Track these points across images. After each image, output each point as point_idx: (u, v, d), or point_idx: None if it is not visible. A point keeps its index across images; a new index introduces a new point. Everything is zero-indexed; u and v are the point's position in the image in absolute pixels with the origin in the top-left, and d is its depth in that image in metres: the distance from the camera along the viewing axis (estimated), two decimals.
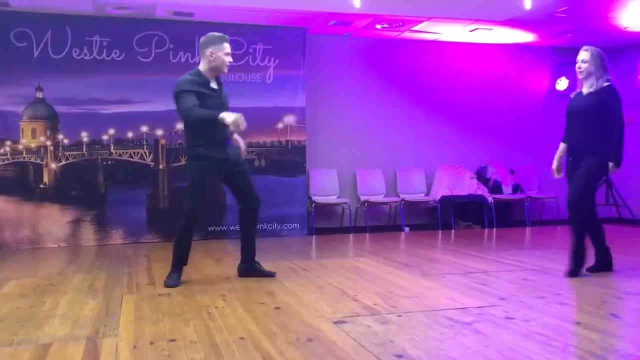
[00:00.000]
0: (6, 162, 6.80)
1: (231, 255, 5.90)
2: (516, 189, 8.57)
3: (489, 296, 3.83)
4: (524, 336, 2.91)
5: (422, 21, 7.35)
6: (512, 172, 8.71)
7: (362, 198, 8.01)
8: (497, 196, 8.27)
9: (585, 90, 4.63)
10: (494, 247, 6.63)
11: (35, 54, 6.77)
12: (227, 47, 4.33)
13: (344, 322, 3.21)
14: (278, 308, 3.57)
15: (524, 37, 8.26)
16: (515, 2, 6.65)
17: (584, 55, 4.59)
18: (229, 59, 4.35)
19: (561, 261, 5.20)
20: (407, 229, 7.95)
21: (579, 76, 4.67)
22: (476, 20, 7.42)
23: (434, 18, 7.23)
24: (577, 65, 4.62)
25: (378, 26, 7.57)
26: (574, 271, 4.49)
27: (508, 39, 8.36)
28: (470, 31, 7.91)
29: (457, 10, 7.00)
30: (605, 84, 4.51)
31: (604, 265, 4.66)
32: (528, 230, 8.04)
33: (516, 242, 6.91)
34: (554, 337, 2.90)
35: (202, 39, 4.37)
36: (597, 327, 3.08)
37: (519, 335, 2.92)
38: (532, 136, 8.92)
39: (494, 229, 8.05)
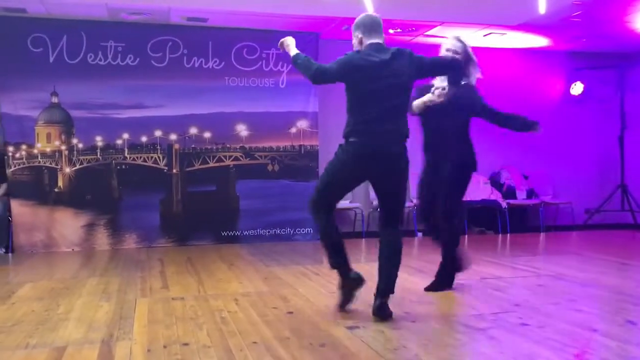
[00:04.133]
0: (22, 166, 6.87)
1: (244, 260, 5.91)
2: (530, 194, 8.51)
3: (503, 302, 3.80)
4: (539, 343, 2.88)
5: (436, 26, 7.34)
6: (526, 177, 8.65)
7: (375, 203, 7.98)
8: (511, 201, 8.22)
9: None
10: (507, 253, 6.59)
11: (51, 59, 6.83)
12: None
13: (357, 327, 3.20)
14: (291, 313, 3.57)
15: (538, 41, 8.22)
16: (529, 7, 6.62)
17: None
18: None
19: (577, 267, 5.16)
20: (420, 234, 7.91)
21: None
22: (489, 25, 7.39)
23: (448, 23, 7.21)
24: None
25: (391, 31, 7.55)
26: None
27: (522, 43, 8.32)
28: (484, 36, 7.88)
29: (471, 15, 6.97)
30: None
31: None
32: (542, 235, 7.98)
33: (530, 247, 6.86)
34: (569, 343, 2.87)
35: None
36: (613, 334, 3.04)
37: (534, 342, 2.89)
38: (547, 141, 8.85)
39: (508, 234, 7.99)
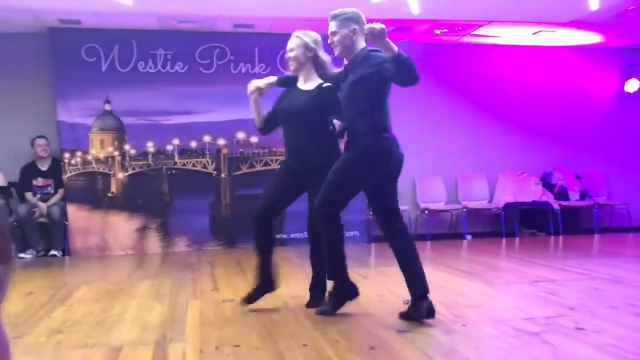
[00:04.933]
0: (77, 172, 7.10)
1: (291, 263, 5.94)
2: (583, 195, 8.27)
3: (557, 306, 3.70)
4: (596, 348, 2.79)
5: (483, 25, 7.23)
6: (578, 177, 8.41)
7: (422, 205, 7.91)
8: (563, 203, 8.01)
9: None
10: (560, 255, 6.42)
11: (104, 69, 7.05)
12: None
13: (407, 330, 3.18)
14: (339, 316, 3.56)
15: (590, 38, 7.99)
16: (581, 3, 6.44)
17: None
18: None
19: (634, 270, 5.00)
20: (469, 237, 7.79)
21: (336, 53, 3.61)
22: (539, 23, 7.23)
23: (495, 21, 7.10)
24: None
25: (437, 31, 7.49)
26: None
27: (573, 40, 8.11)
28: (533, 34, 7.71)
29: (519, 13, 6.84)
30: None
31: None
32: (596, 237, 7.74)
33: (584, 250, 6.66)
34: (629, 349, 2.77)
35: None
36: None
37: (591, 347, 2.81)
38: (600, 140, 8.60)
39: (560, 236, 7.79)
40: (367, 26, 3.16)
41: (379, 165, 3.40)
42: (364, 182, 3.46)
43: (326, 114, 3.53)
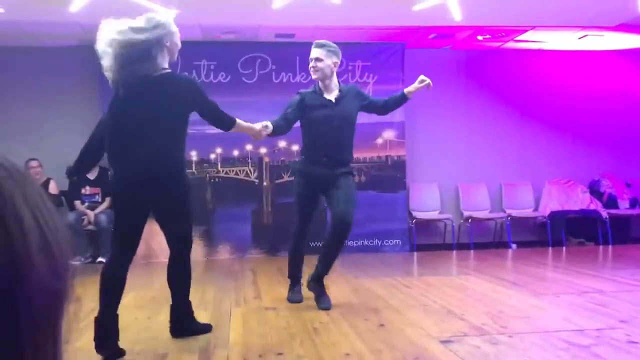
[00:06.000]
0: None
1: (333, 271, 5.92)
2: (634, 203, 8.01)
3: (608, 318, 3.59)
4: None
5: (526, 30, 7.11)
6: (628, 185, 8.15)
7: (466, 214, 7.80)
8: (612, 211, 7.77)
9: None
10: (610, 265, 6.23)
11: None
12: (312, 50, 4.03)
13: (451, 341, 3.13)
14: (382, 325, 3.54)
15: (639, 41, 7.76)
16: (629, 6, 6.27)
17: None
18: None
19: None
20: (514, 246, 7.63)
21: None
22: (585, 27, 7.06)
23: (539, 27, 6.97)
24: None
25: (479, 37, 7.40)
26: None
27: (621, 44, 7.89)
28: (579, 38, 7.54)
29: (565, 18, 6.70)
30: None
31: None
32: None
33: (635, 260, 6.44)
34: None
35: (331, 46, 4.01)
36: None
37: None
38: None
39: (610, 246, 7.55)
40: (427, 80, 3.94)
41: None
42: None
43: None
